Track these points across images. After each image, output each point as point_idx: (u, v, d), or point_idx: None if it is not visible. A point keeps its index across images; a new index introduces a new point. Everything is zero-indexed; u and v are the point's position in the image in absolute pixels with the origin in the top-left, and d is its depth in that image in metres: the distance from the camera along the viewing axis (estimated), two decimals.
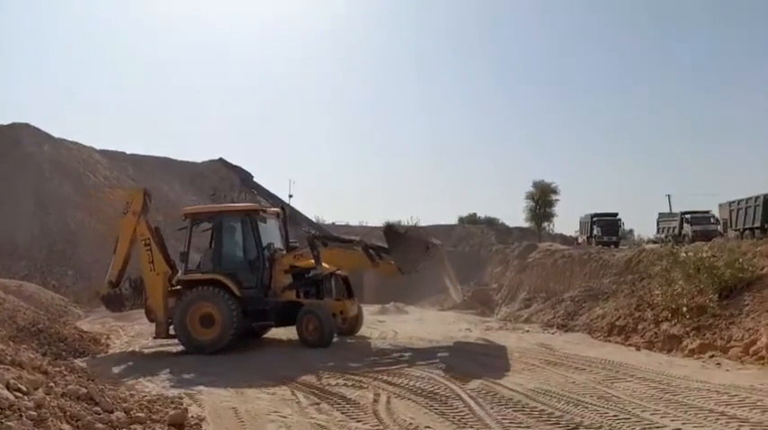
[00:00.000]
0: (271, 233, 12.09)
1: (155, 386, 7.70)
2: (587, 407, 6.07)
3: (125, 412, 5.66)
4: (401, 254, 10.82)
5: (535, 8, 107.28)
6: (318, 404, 6.63)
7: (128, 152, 34.80)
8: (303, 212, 37.49)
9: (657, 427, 5.36)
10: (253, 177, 38.10)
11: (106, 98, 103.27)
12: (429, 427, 5.58)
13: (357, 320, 12.31)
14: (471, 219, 41.62)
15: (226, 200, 33.21)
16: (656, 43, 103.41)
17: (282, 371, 8.46)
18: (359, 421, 5.93)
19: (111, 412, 5.48)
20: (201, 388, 7.57)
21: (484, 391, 6.85)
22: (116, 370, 9.11)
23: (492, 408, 6.10)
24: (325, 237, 12.43)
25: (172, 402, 6.50)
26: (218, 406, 6.68)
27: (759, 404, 5.98)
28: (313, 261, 11.29)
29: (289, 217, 12.55)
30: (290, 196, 41.88)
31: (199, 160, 37.62)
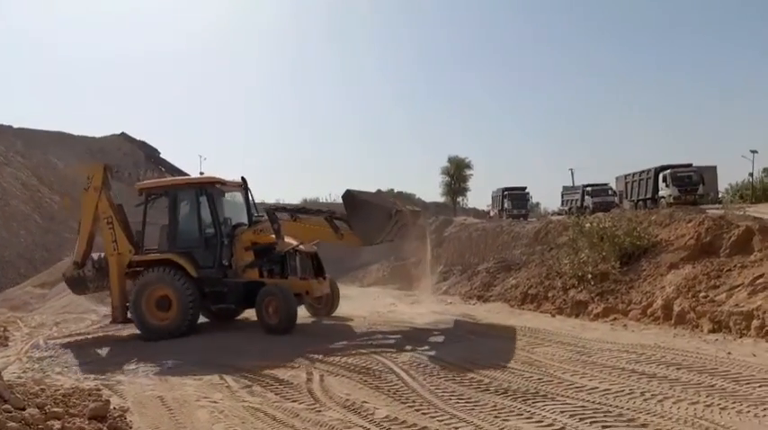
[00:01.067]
0: (232, 207, 11.30)
1: (67, 379, 7.17)
2: (513, 373, 6.41)
3: (38, 408, 5.22)
4: (360, 223, 9.68)
5: None
6: (250, 387, 6.48)
7: (15, 126, 31.60)
8: None
9: (577, 387, 5.75)
10: (159, 153, 36.16)
11: None
12: (366, 402, 5.64)
13: (332, 299, 11.56)
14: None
15: (131, 178, 31.27)
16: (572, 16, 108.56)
17: (218, 358, 8.14)
18: (294, 401, 5.88)
19: (23, 409, 5.05)
20: (121, 378, 7.15)
21: (415, 364, 7.02)
22: (19, 365, 8.37)
23: (424, 379, 6.27)
24: (290, 208, 11.36)
25: (89, 395, 6.09)
26: (142, 395, 6.36)
27: (663, 360, 6.60)
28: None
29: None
30: (201, 173, 40.22)
31: (98, 135, 34.96)
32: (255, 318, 10.22)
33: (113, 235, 10.69)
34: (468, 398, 5.57)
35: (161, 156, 35.98)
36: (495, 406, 5.29)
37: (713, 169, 31.91)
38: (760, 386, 5.47)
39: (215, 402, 5.97)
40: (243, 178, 10.99)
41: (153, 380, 7.06)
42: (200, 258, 10.35)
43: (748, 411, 4.84)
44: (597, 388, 5.68)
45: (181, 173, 35.74)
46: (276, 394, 6.15)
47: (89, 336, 10.41)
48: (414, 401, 5.58)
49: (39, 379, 7.02)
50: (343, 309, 12.35)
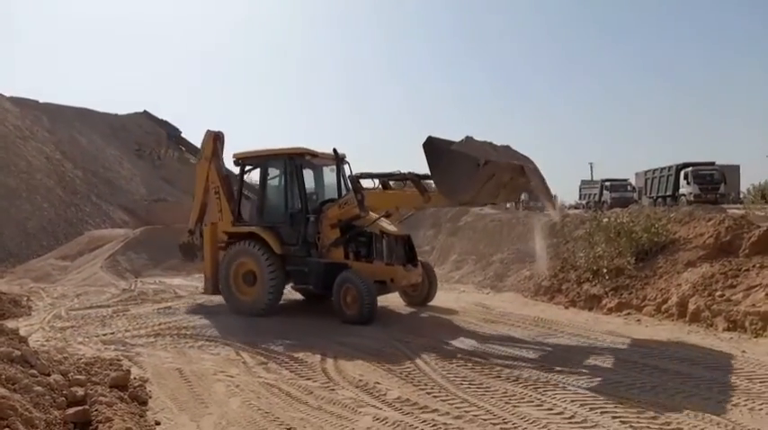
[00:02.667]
0: (322, 181, 10.71)
1: (88, 349, 7.39)
2: (525, 361, 6.47)
3: (62, 375, 5.42)
4: (443, 176, 7.87)
5: None
6: (266, 364, 6.63)
7: (41, 101, 32.11)
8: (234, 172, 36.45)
9: (589, 378, 5.79)
10: (180, 133, 36.46)
11: (16, 44, 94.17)
12: (378, 383, 5.75)
13: (428, 288, 10.53)
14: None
15: (152, 156, 31.67)
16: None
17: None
18: (308, 379, 6.01)
19: (48, 375, 5.24)
20: (141, 350, 7.35)
21: (428, 348, 7.11)
22: (42, 334, 8.63)
23: (437, 364, 6.36)
24: (376, 175, 9.80)
25: (110, 364, 6.27)
26: (161, 367, 6.54)
27: (675, 355, 6.60)
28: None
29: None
30: None
31: (121, 112, 35.37)
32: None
33: (220, 204, 10.60)
34: (480, 384, 5.65)
35: (182, 135, 36.30)
36: (506, 392, 5.37)
37: (736, 168, 31.39)
38: None
39: (231, 376, 6.13)
40: (335, 150, 9.93)
41: (171, 353, 7.24)
42: (285, 234, 9.80)
43: (761, 409, 4.86)
44: (609, 379, 5.72)
45: None
46: (291, 372, 6.29)
47: (110, 309, 10.66)
48: (425, 384, 5.68)
49: (61, 347, 7.25)
50: None
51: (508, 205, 36.02)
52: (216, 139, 10.90)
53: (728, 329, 8.55)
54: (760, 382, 5.56)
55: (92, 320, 9.50)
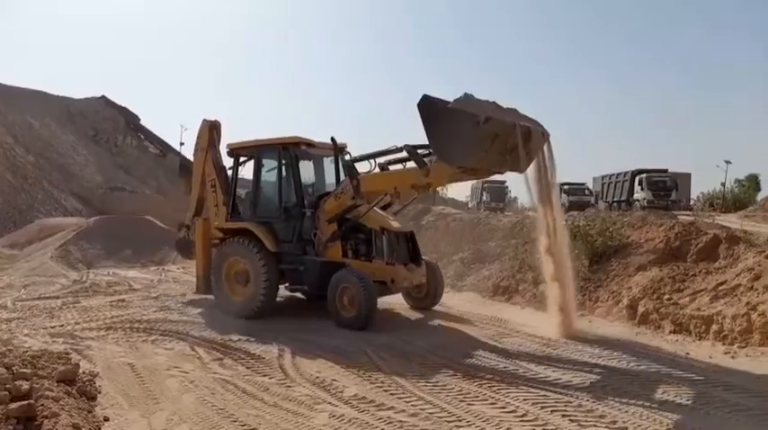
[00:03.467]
0: (320, 173, 10.09)
1: (35, 341, 7.13)
2: (481, 360, 6.59)
3: (6, 368, 5.21)
4: (440, 137, 7.03)
5: None
6: (221, 359, 6.55)
7: None
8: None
9: (542, 377, 5.95)
10: (139, 120, 35.48)
11: None
12: (335, 380, 5.75)
13: (433, 290, 9.75)
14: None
15: (109, 143, 30.71)
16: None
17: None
18: (264, 375, 5.97)
19: None
20: (91, 343, 7.14)
21: (387, 347, 7.15)
22: None
23: (395, 362, 6.41)
24: (367, 155, 8.79)
25: (59, 358, 6.07)
26: (112, 361, 6.37)
27: (624, 356, 6.85)
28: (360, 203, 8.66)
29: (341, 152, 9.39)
30: (182, 144, 39.70)
31: (78, 96, 34.12)
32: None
33: (216, 198, 10.03)
34: (436, 382, 5.72)
35: (141, 122, 35.32)
36: (461, 390, 5.46)
37: (687, 176, 32.68)
38: (713, 386, 5.73)
39: (186, 372, 6.02)
40: (333, 139, 9.03)
41: (123, 347, 7.06)
42: (280, 230, 9.14)
43: (700, 409, 5.08)
44: (560, 379, 5.88)
45: (160, 142, 35.24)
46: (247, 368, 6.23)
47: (59, 300, 10.29)
48: (383, 382, 5.72)
49: (6, 340, 6.97)
50: None
51: (470, 205, 36.57)
52: (212, 129, 10.38)
53: (674, 332, 8.91)
54: (701, 383, 5.82)
55: (40, 312, 9.16)
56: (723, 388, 5.64)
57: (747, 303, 8.84)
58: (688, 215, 20.45)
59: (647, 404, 5.14)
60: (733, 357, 7.18)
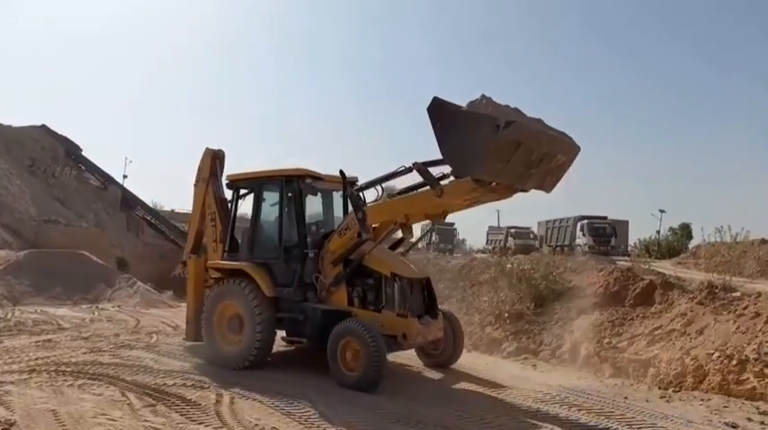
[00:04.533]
0: (328, 210, 9.22)
1: None
2: (428, 406, 6.47)
3: None
4: (453, 144, 6.12)
5: None
6: (154, 406, 6.17)
7: None
8: (138, 196, 34.63)
9: (486, 423, 5.93)
10: (81, 150, 34.24)
11: None
12: (275, 428, 5.52)
13: (452, 346, 8.57)
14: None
15: (46, 173, 29.38)
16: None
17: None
18: (200, 423, 5.66)
19: None
20: (10, 387, 6.59)
21: (331, 392, 6.94)
22: None
23: (339, 407, 6.22)
24: (374, 181, 7.80)
25: None
26: (32, 408, 5.89)
27: (566, 401, 6.92)
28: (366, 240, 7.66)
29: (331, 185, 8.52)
30: (125, 176, 38.47)
31: (15, 124, 32.66)
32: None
33: (215, 233, 9.24)
34: (381, 429, 5.58)
35: (83, 153, 34.07)
36: None
37: (625, 223, 34.25)
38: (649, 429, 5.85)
39: (113, 420, 5.63)
40: (342, 172, 8.03)
41: (46, 392, 6.55)
42: (279, 273, 8.18)
43: None
44: (503, 425, 5.86)
45: (102, 173, 34.03)
46: (181, 415, 5.89)
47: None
48: None
49: None
50: None
51: (420, 245, 36.86)
52: (215, 158, 9.66)
53: (614, 375, 9.14)
54: (637, 428, 5.94)
55: None
56: None
57: (681, 348, 9.19)
58: (626, 261, 21.30)
59: None
60: (668, 401, 7.38)
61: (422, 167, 7.04)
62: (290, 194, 8.27)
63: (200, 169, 9.74)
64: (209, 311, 8.52)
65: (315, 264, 7.97)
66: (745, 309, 9.78)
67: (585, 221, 28.51)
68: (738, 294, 11.01)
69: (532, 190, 6.91)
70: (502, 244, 32.92)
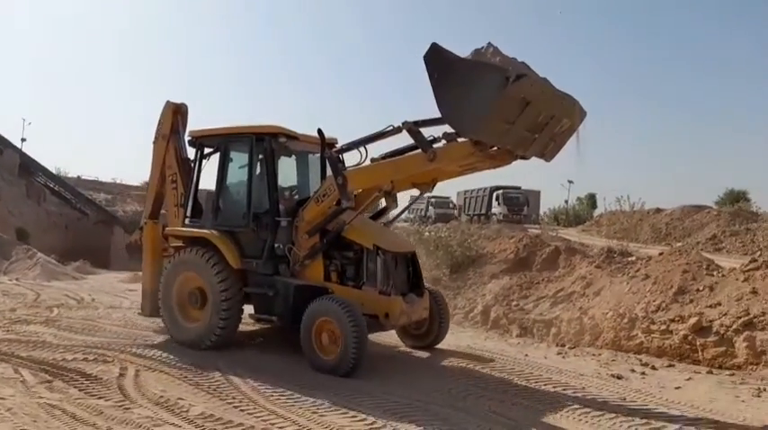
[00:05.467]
0: (304, 174, 8.30)
1: None
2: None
3: None
4: (454, 98, 5.39)
5: None
6: (50, 382, 5.84)
7: None
8: (39, 161, 32.13)
9: (395, 384, 6.11)
10: None
11: None
12: (182, 399, 5.40)
13: (437, 326, 7.84)
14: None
15: None
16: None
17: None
18: (100, 397, 5.43)
19: None
20: None
21: (240, 361, 6.87)
22: None
23: (249, 377, 6.18)
24: (358, 142, 6.96)
25: None
26: None
27: (470, 359, 7.30)
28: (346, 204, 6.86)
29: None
30: (23, 140, 35.60)
31: None
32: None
33: (176, 197, 8.33)
34: (290, 395, 5.60)
35: None
36: (314, 402, 5.40)
37: (537, 193, 35.99)
38: (545, 384, 6.29)
39: (3, 398, 5.28)
40: (320, 131, 7.19)
41: None
42: (247, 243, 7.33)
43: (534, 407, 5.54)
44: (412, 384, 6.08)
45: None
46: (80, 390, 5.62)
47: None
48: (234, 398, 5.49)
49: None
50: None
51: (405, 216, 36.85)
52: (176, 113, 8.60)
53: (520, 335, 9.70)
54: (535, 382, 6.37)
55: None
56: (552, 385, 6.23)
57: (580, 308, 9.88)
58: (536, 228, 22.47)
59: (488, 406, 5.49)
60: (564, 357, 7.94)
61: (413, 127, 6.25)
62: (260, 155, 7.35)
63: (159, 124, 8.66)
64: (168, 284, 7.71)
65: (288, 233, 7.14)
66: (636, 271, 10.61)
67: (501, 191, 29.68)
68: (633, 258, 11.93)
69: (533, 157, 6.17)
70: (423, 213, 33.62)
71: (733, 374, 7.03)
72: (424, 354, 7.63)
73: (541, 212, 34.88)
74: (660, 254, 11.20)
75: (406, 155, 6.50)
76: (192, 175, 8.07)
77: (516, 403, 5.61)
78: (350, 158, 7.12)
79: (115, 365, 6.47)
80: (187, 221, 7.99)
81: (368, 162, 6.94)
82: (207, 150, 8.03)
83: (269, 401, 5.42)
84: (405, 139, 6.50)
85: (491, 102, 5.17)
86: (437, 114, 5.75)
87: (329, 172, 7.26)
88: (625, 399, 5.78)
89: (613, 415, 5.24)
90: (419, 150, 6.24)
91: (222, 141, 7.80)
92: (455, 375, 6.55)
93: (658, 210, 25.09)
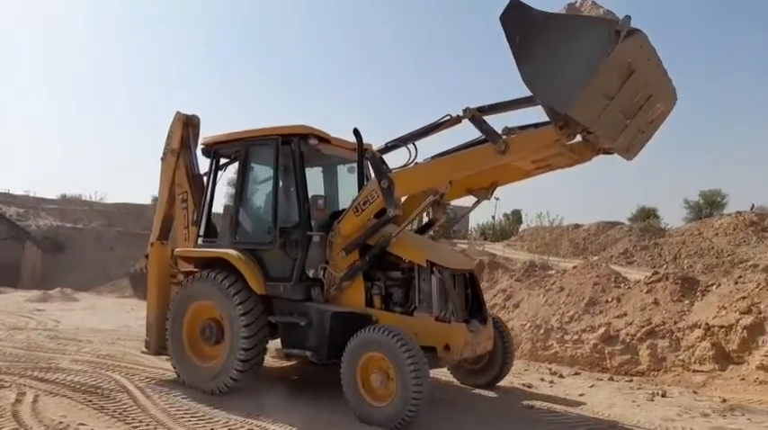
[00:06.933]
0: (332, 185, 7.24)
1: None
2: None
3: None
4: (540, 64, 4.33)
5: None
6: None
7: None
8: None
9: None
10: None
11: None
12: (84, 424, 5.11)
13: (500, 357, 6.64)
14: None
15: None
16: None
17: None
18: None
19: None
20: None
21: (154, 381, 6.61)
22: None
23: (159, 397, 5.94)
24: (407, 137, 5.83)
25: None
26: None
27: None
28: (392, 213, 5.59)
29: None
30: None
31: None
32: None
33: (187, 218, 7.24)
34: (202, 415, 5.44)
35: None
36: (227, 421, 5.27)
37: (466, 208, 36.95)
38: (457, 394, 6.39)
39: None
40: (356, 131, 6.16)
41: None
42: (272, 263, 6.22)
43: (435, 413, 5.63)
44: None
45: None
46: None
47: None
48: (141, 421, 5.24)
49: None
50: (86, 321, 11.02)
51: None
52: (187, 125, 7.59)
53: None
54: (443, 392, 6.48)
55: None
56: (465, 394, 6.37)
57: None
58: (464, 243, 23.11)
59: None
60: None
61: (477, 114, 5.15)
62: (288, 159, 6.23)
63: (168, 138, 7.67)
64: (177, 315, 6.60)
65: (321, 251, 5.97)
66: (552, 284, 11.14)
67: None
68: (553, 272, 12.52)
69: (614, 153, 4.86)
70: None
71: (631, 380, 7.50)
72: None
73: (470, 228, 35.88)
74: (574, 267, 11.81)
75: (471, 148, 5.29)
76: (207, 189, 7.01)
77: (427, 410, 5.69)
78: (391, 161, 5.95)
79: (12, 390, 6.03)
80: (200, 241, 6.90)
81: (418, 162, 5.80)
82: (223, 161, 7.02)
83: (179, 423, 5.21)
84: (454, 139, 5.49)
85: (597, 64, 4.03)
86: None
87: (365, 179, 6.42)
88: (533, 407, 6.01)
89: (520, 421, 5.44)
90: (485, 143, 5.09)
91: (241, 147, 6.61)
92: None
93: (577, 226, 26.50)
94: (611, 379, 7.50)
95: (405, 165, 5.76)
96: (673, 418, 5.62)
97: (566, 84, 4.20)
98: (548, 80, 4.33)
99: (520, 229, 30.91)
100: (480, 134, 5.13)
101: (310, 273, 5.96)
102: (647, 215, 31.10)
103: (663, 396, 6.48)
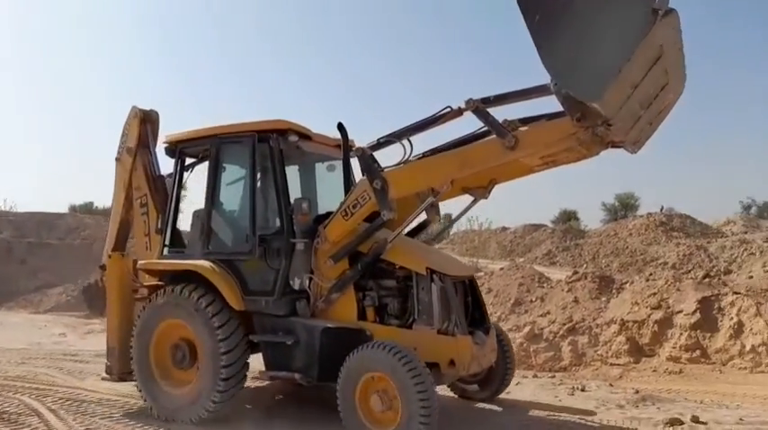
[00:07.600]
0: (310, 186, 6.54)
1: None
2: None
3: None
4: (570, 50, 3.64)
5: None
6: None
7: None
8: None
9: None
10: None
11: None
12: None
13: (502, 369, 6.05)
14: (87, 208, 36.79)
15: None
16: None
17: None
18: None
19: None
20: None
21: (68, 401, 6.22)
22: None
23: (74, 419, 5.60)
24: (401, 132, 5.16)
25: None
26: None
27: None
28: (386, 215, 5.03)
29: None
30: None
31: None
32: None
33: (147, 225, 6.48)
34: None
35: None
36: None
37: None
38: None
39: None
40: (341, 125, 5.61)
41: None
42: (252, 274, 5.53)
43: None
44: None
45: None
46: None
47: None
48: None
49: None
50: None
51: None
52: (144, 122, 6.80)
53: None
54: None
55: None
56: None
57: None
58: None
59: None
60: None
61: (481, 106, 4.61)
62: (266, 158, 5.63)
63: (123, 136, 6.88)
64: (143, 335, 5.79)
65: (306, 260, 5.36)
66: (481, 286, 11.44)
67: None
68: (482, 274, 12.87)
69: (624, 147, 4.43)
70: None
71: (553, 376, 7.84)
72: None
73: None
74: (501, 269, 12.23)
75: (475, 143, 4.79)
76: (171, 195, 6.24)
77: None
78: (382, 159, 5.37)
79: None
80: (166, 252, 6.13)
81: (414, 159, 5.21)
82: (189, 161, 6.32)
83: None
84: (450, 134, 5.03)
85: (632, 47, 3.49)
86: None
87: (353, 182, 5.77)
88: (458, 407, 6.14)
89: (448, 421, 5.53)
90: (491, 137, 4.61)
91: (211, 145, 5.88)
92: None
93: (504, 229, 27.47)
94: (535, 376, 7.80)
95: (400, 164, 5.13)
96: (591, 411, 5.91)
97: (597, 70, 3.60)
98: (574, 65, 3.69)
99: (451, 232, 31.63)
100: (478, 128, 4.70)
101: (295, 285, 5.34)
102: (568, 217, 32.66)
103: (582, 390, 6.80)
